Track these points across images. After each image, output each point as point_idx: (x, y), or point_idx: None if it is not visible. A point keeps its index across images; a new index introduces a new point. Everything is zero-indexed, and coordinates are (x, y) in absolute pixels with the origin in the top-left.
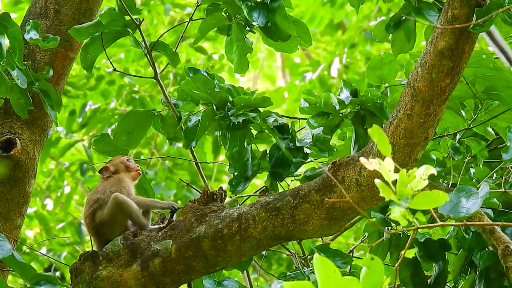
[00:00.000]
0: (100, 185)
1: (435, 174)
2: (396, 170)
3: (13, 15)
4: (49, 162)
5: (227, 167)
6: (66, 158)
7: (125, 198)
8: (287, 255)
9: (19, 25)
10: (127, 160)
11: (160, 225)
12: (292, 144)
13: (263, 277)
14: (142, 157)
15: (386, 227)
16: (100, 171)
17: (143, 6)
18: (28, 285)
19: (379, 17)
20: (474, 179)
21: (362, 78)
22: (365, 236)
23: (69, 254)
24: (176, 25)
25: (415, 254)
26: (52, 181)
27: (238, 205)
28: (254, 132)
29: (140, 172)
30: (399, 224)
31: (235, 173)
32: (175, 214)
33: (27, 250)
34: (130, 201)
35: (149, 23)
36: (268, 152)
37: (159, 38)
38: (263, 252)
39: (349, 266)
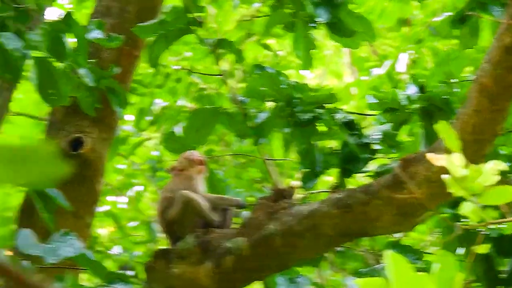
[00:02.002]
0: (170, 183)
1: (505, 169)
2: (465, 166)
3: (78, 14)
4: (120, 161)
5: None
6: (136, 156)
7: (193, 196)
8: (360, 251)
9: (85, 24)
10: (189, 154)
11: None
12: (360, 140)
13: (338, 273)
14: (213, 154)
15: (457, 223)
16: (168, 171)
17: (212, 3)
18: (101, 284)
19: (445, 13)
20: None
21: (430, 74)
22: (436, 232)
23: (142, 252)
24: (241, 22)
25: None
26: (124, 179)
27: (309, 201)
28: (323, 128)
29: (203, 162)
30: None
31: (305, 170)
32: (229, 212)
33: (101, 249)
34: (198, 199)
35: (215, 20)
36: (337, 148)
37: (223, 36)
38: (337, 248)
39: (421, 262)
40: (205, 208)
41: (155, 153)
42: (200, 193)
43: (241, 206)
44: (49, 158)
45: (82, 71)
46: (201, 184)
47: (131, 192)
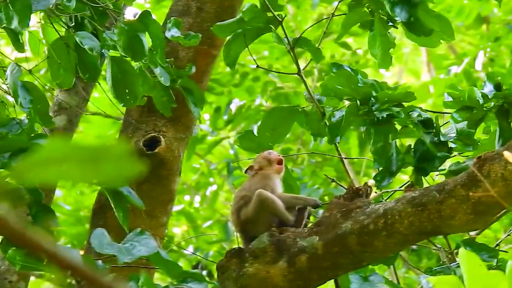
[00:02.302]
0: (247, 182)
1: None
2: None
3: (156, 13)
4: (196, 160)
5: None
6: (213, 155)
7: (269, 195)
8: (434, 249)
9: (162, 23)
10: (268, 154)
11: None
12: (436, 139)
13: (413, 271)
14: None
15: None
16: (246, 171)
17: (290, 2)
18: (174, 283)
19: None
20: None
21: (507, 72)
22: (511, 230)
23: (216, 252)
24: (318, 21)
25: None
26: (200, 177)
27: (384, 200)
28: (398, 127)
29: (282, 160)
30: None
31: (380, 168)
32: (307, 212)
33: (175, 248)
34: (274, 198)
35: (293, 19)
36: (412, 147)
37: (301, 34)
38: (413, 246)
39: (495, 260)
40: (281, 207)
41: (231, 152)
42: (276, 193)
43: (316, 206)
44: (124, 158)
45: (158, 71)
46: (278, 184)
47: (207, 192)
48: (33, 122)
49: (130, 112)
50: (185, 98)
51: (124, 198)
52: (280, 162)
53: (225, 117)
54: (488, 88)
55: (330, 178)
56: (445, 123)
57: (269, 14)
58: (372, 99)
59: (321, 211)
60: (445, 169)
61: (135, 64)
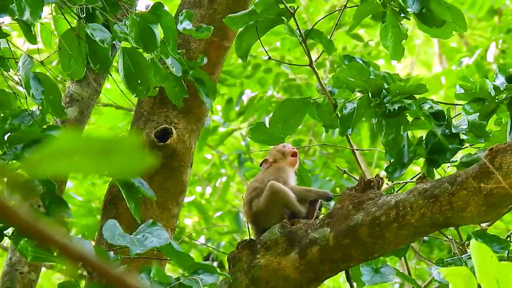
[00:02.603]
0: (261, 173)
1: None
2: None
3: (168, 5)
4: (207, 151)
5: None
6: (224, 146)
7: (281, 187)
8: (445, 240)
9: (174, 15)
10: (282, 147)
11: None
12: (448, 131)
13: (424, 262)
14: (301, 144)
15: None
16: (260, 164)
17: None
18: (186, 274)
19: None
20: None
21: None
22: None
23: (227, 243)
24: (330, 13)
25: None
26: (211, 169)
27: (395, 192)
28: (410, 119)
29: (296, 152)
30: None
31: (392, 160)
32: (318, 205)
33: (186, 239)
34: (286, 190)
35: (305, 10)
36: (424, 138)
37: (313, 26)
38: (424, 237)
39: (507, 251)
40: (293, 199)
41: (243, 143)
42: (288, 185)
43: (328, 198)
44: (135, 149)
45: (170, 61)
46: (291, 176)
47: (218, 183)
48: (45, 114)
49: (141, 103)
50: (197, 89)
51: (135, 189)
52: (294, 155)
53: (237, 109)
54: (500, 80)
55: (342, 170)
56: (457, 115)
57: (281, 6)
58: (384, 91)
59: (332, 203)
60: (456, 160)
61: (146, 55)
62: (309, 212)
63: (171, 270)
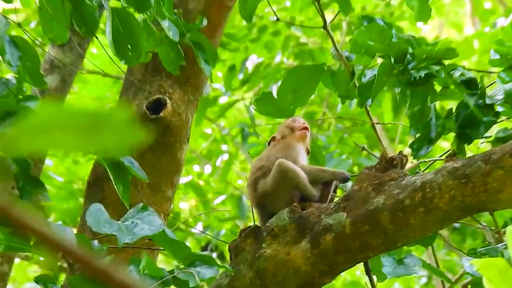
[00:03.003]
0: (266, 151)
1: None
2: None
3: None
4: (207, 125)
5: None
6: (226, 119)
7: (291, 165)
8: (478, 228)
9: None
10: (292, 121)
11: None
12: (481, 101)
13: (454, 253)
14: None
15: None
16: (268, 143)
17: None
18: (181, 266)
19: None
20: None
21: None
22: None
23: (229, 230)
24: None
25: None
26: (211, 145)
27: (421, 171)
28: (438, 88)
29: (307, 128)
30: None
31: (417, 135)
32: (334, 186)
33: (182, 226)
34: (296, 169)
35: None
36: (454, 110)
37: None
38: (455, 224)
39: None
40: (304, 179)
41: (247, 116)
42: (299, 164)
43: (345, 179)
44: (125, 123)
45: (165, 24)
46: (302, 154)
47: (218, 161)
48: (22, 82)
49: (132, 71)
50: (195, 54)
51: (124, 169)
52: (305, 130)
53: (241, 77)
54: None
55: (360, 146)
56: (491, 83)
57: None
58: (408, 56)
59: (349, 184)
60: (491, 135)
61: (138, 16)
62: (322, 194)
63: (164, 262)
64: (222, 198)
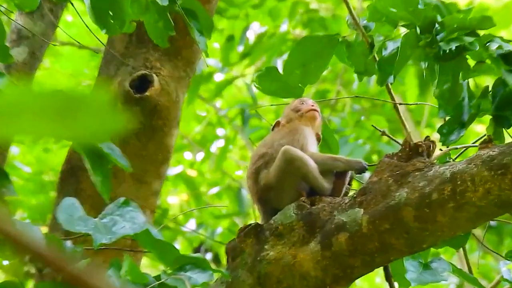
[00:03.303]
0: (270, 136)
1: None
2: None
3: None
4: (201, 106)
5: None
6: (223, 99)
7: (298, 153)
8: None
9: None
10: (299, 102)
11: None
12: None
13: (490, 256)
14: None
15: None
16: (272, 128)
17: None
18: (169, 271)
19: None
20: None
21: None
22: None
23: (226, 229)
24: None
25: None
26: (206, 129)
27: (452, 160)
28: (472, 62)
29: (317, 110)
30: None
31: (447, 118)
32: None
33: (170, 224)
34: (304, 157)
35: None
36: (490, 89)
37: None
38: (491, 222)
39: None
40: (313, 170)
41: (248, 95)
42: (308, 151)
43: (361, 169)
44: (104, 104)
45: None
46: (310, 139)
47: (213, 148)
48: None
49: (113, 42)
50: (186, 24)
51: (103, 157)
52: (314, 110)
53: (240, 49)
54: None
55: (380, 131)
56: None
57: None
58: (437, 25)
59: (367, 175)
60: None
61: None
62: (335, 187)
63: (150, 266)
64: (216, 189)
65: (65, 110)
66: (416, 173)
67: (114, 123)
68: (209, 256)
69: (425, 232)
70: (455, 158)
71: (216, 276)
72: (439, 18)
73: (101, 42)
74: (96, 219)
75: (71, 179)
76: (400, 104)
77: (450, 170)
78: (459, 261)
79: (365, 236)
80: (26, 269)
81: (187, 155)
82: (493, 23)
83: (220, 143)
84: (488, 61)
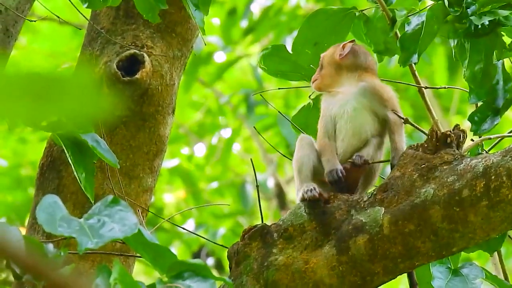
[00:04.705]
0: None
1: None
2: None
3: None
4: (199, 91)
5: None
6: (224, 83)
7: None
8: None
9: None
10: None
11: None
12: None
13: None
14: None
15: None
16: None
17: None
18: (164, 278)
19: None
20: None
21: None
22: None
23: (229, 230)
24: None
25: None
26: (205, 117)
27: (485, 152)
28: (508, 40)
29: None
30: None
31: (479, 103)
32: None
33: (166, 225)
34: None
35: None
36: None
37: None
38: None
39: None
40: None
41: (253, 78)
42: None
43: (330, 181)
44: (88, 87)
45: None
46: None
47: (214, 139)
48: None
49: (97, 17)
50: None
51: (87, 150)
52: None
53: (244, 25)
54: None
55: (403, 118)
56: None
57: None
58: None
59: (388, 169)
60: None
61: None
62: (348, 175)
63: (144, 273)
64: (215, 184)
65: (43, 94)
66: (445, 167)
67: (99, 109)
68: (210, 261)
69: (454, 234)
70: (489, 150)
71: (218, 284)
72: None
73: (84, 16)
74: (81, 219)
75: (52, 174)
76: (425, 88)
77: (483, 164)
78: (493, 267)
79: (387, 239)
80: (3, 276)
81: (184, 150)
82: None
83: (223, 133)
84: None
